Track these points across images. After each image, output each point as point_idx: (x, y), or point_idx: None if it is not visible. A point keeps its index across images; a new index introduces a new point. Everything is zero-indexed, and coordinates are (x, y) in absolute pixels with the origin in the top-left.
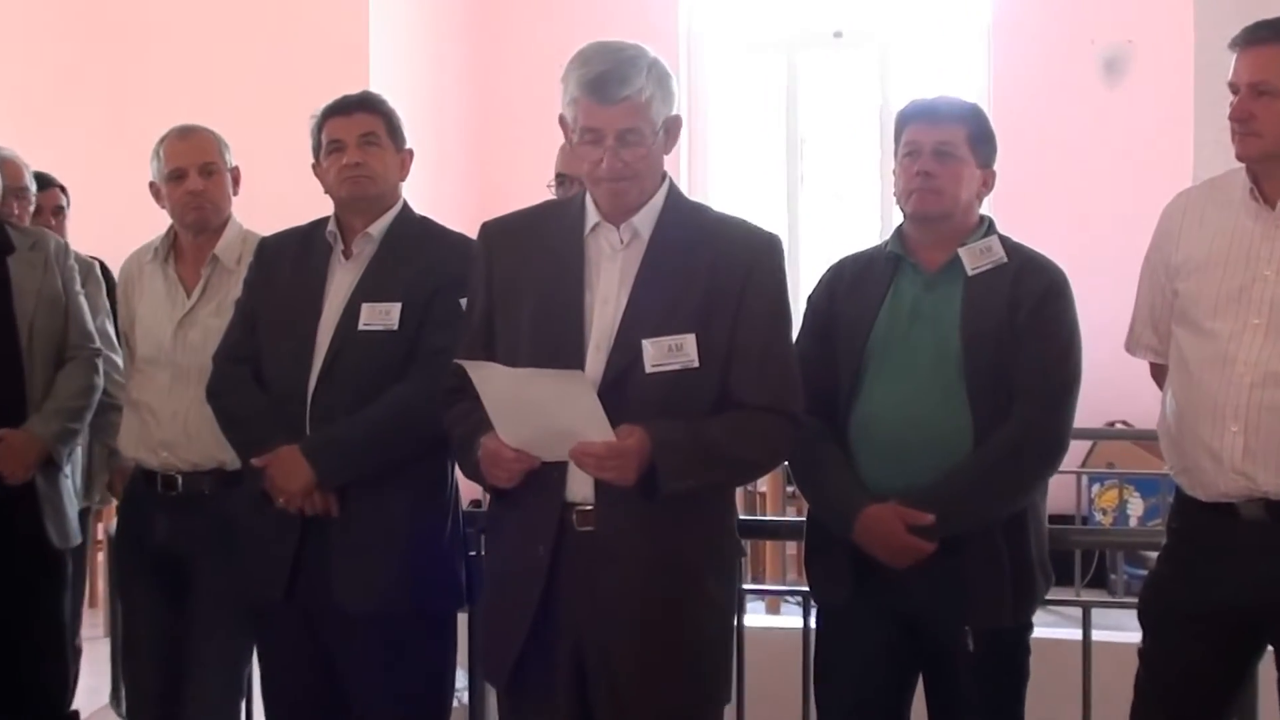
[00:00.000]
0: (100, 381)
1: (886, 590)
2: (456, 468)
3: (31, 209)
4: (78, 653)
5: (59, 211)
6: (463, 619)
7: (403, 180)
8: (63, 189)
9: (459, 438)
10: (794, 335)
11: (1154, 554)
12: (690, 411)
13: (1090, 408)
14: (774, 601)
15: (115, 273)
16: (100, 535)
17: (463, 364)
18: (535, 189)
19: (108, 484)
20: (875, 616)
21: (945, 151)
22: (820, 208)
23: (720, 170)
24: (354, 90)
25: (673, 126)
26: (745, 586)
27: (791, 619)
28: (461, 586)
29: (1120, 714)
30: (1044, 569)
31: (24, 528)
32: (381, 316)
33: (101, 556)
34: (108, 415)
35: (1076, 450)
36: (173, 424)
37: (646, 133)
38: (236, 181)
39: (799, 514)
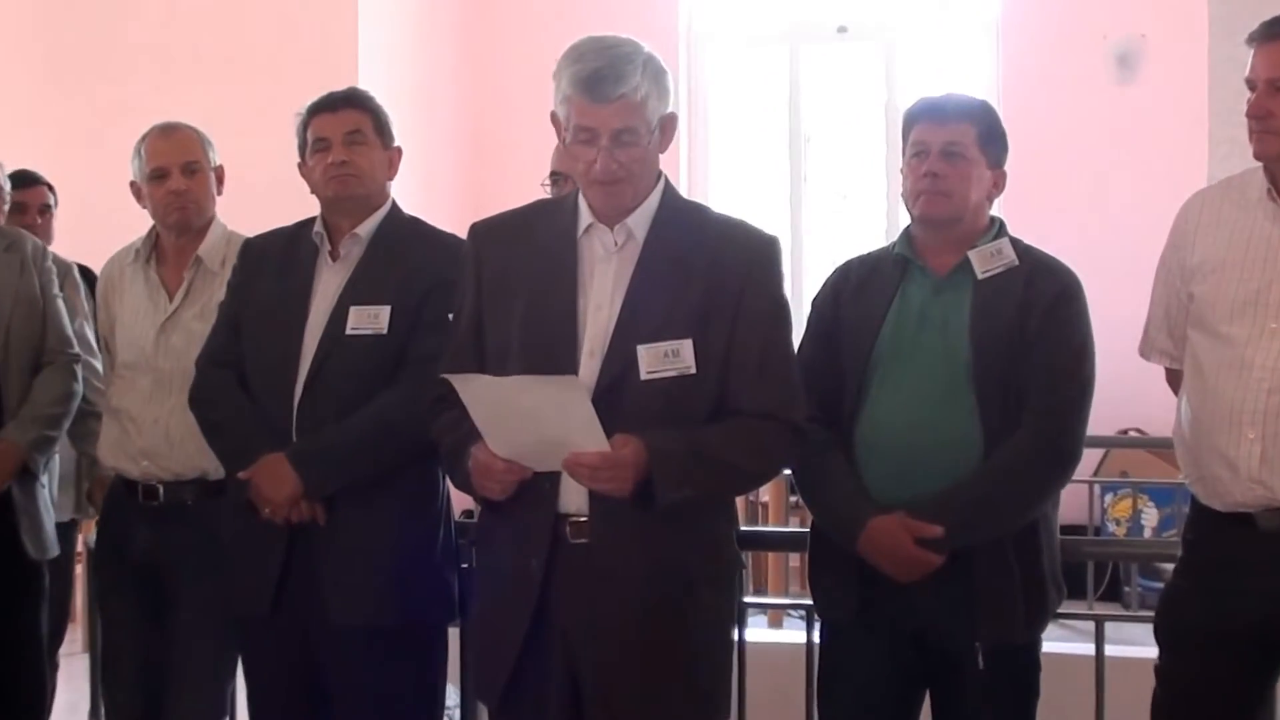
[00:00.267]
0: (79, 388)
1: (893, 604)
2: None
3: (7, 208)
4: (55, 668)
5: (45, 210)
6: (454, 634)
7: (391, 179)
8: (50, 187)
9: (448, 447)
10: (795, 340)
11: (1169, 566)
12: (687, 420)
13: (1103, 415)
14: (776, 615)
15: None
16: (80, 547)
17: (448, 378)
18: (529, 188)
19: (87, 494)
20: (881, 631)
21: (953, 152)
22: (824, 208)
23: (721, 170)
24: (342, 86)
25: (668, 125)
26: (746, 599)
27: (794, 633)
28: (454, 597)
29: None
30: (1056, 582)
31: None
32: (370, 320)
33: (80, 569)
34: (87, 423)
35: (1089, 458)
36: (154, 432)
37: (642, 132)
38: (220, 181)
39: (802, 525)
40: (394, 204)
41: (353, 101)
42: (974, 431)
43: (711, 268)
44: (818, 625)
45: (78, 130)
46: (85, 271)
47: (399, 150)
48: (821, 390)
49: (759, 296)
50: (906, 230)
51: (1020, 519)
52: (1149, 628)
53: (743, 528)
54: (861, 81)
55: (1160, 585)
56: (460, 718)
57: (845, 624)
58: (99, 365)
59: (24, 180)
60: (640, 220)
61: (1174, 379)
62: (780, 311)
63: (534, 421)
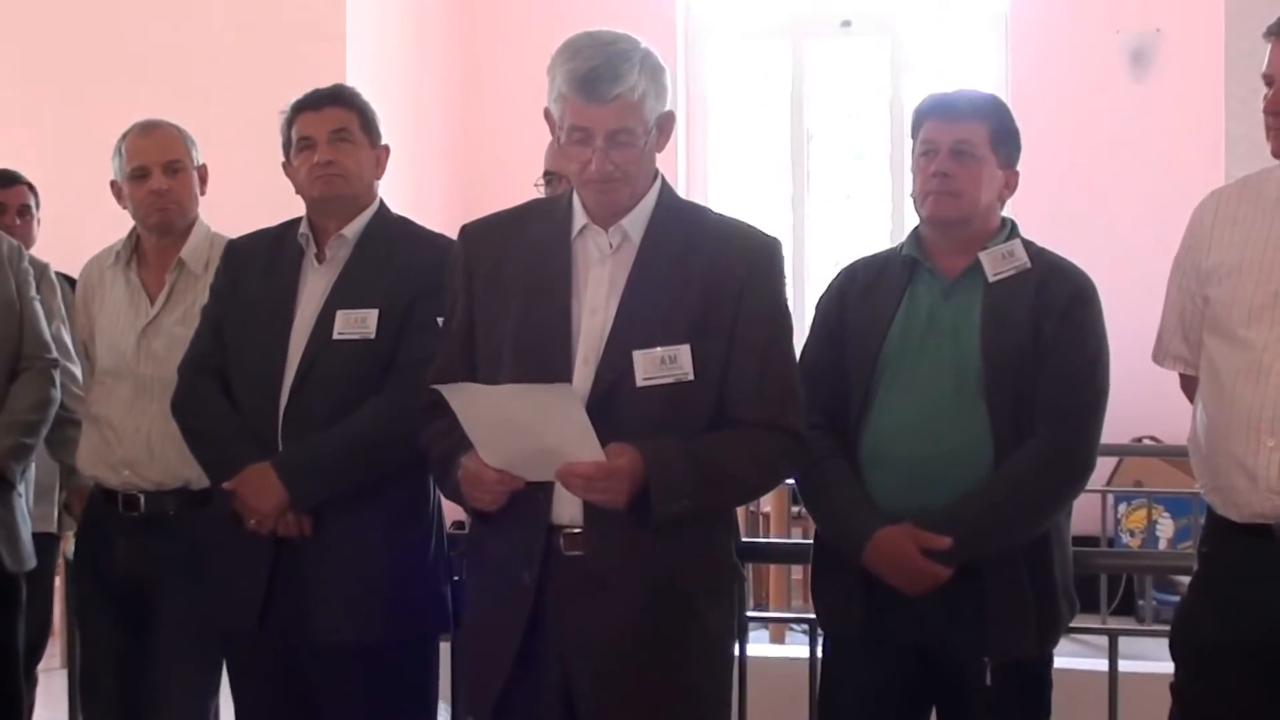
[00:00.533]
0: (57, 394)
1: (899, 618)
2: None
3: None
4: (34, 684)
5: (25, 211)
6: (445, 650)
7: (378, 178)
8: (31, 187)
9: (437, 456)
10: (796, 345)
11: (1185, 579)
12: (685, 428)
13: (1117, 422)
14: (778, 630)
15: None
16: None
17: (439, 388)
18: (521, 187)
19: (65, 504)
20: (886, 646)
21: (963, 151)
22: (827, 209)
23: (720, 169)
24: (328, 83)
25: (666, 124)
26: (748, 614)
27: (797, 648)
28: (448, 609)
29: None
30: (1068, 595)
31: None
32: (357, 324)
33: (59, 581)
34: (65, 430)
35: (1102, 467)
36: (135, 440)
37: (638, 132)
38: (203, 180)
39: (805, 536)
40: (382, 204)
41: (338, 99)
42: (984, 439)
43: (710, 270)
44: (821, 640)
45: (58, 129)
46: (65, 278)
47: (386, 148)
48: (825, 396)
49: (759, 300)
50: (915, 231)
51: (1032, 530)
52: (1164, 643)
53: (743, 539)
54: (866, 77)
55: (1176, 599)
56: None
57: (849, 638)
58: (77, 371)
59: (3, 179)
60: (636, 221)
61: (1188, 386)
62: (781, 316)
63: (526, 431)
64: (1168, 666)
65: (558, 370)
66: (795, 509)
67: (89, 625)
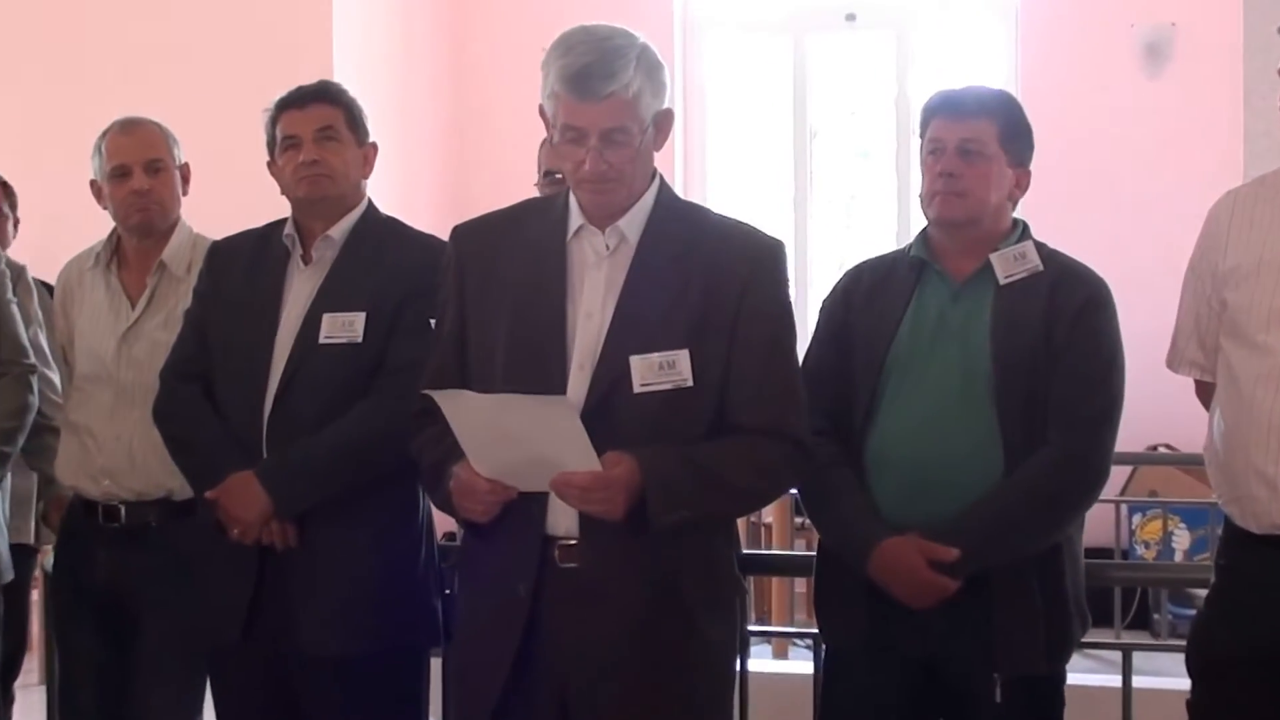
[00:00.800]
0: (35, 400)
1: (905, 632)
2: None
3: None
4: (11, 701)
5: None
6: (436, 663)
7: (366, 177)
8: (6, 186)
9: (428, 466)
10: (799, 350)
11: (1201, 592)
12: (683, 436)
13: (1131, 430)
14: (781, 644)
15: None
16: (37, 571)
17: (431, 394)
18: (514, 186)
19: (42, 515)
20: (892, 661)
21: (971, 150)
22: (831, 209)
23: (720, 168)
24: (314, 79)
25: (663, 122)
26: (749, 628)
27: (800, 664)
28: (438, 621)
29: None
30: (1080, 609)
31: None
32: (344, 328)
33: (37, 595)
34: (43, 438)
35: (1116, 477)
36: (115, 449)
37: (634, 131)
38: (186, 180)
39: (808, 548)
40: (370, 204)
41: (324, 96)
42: (994, 447)
43: (710, 273)
44: (825, 654)
45: (34, 127)
46: (42, 284)
47: (374, 147)
48: (829, 400)
49: (761, 303)
50: (924, 231)
51: (1043, 541)
52: (1180, 658)
53: (744, 551)
54: (871, 72)
55: (1192, 612)
56: None
57: (853, 652)
58: (55, 378)
59: None
60: (633, 222)
61: (1204, 392)
62: (784, 320)
63: (520, 440)
64: (1183, 682)
65: (552, 375)
66: (798, 520)
67: (68, 640)
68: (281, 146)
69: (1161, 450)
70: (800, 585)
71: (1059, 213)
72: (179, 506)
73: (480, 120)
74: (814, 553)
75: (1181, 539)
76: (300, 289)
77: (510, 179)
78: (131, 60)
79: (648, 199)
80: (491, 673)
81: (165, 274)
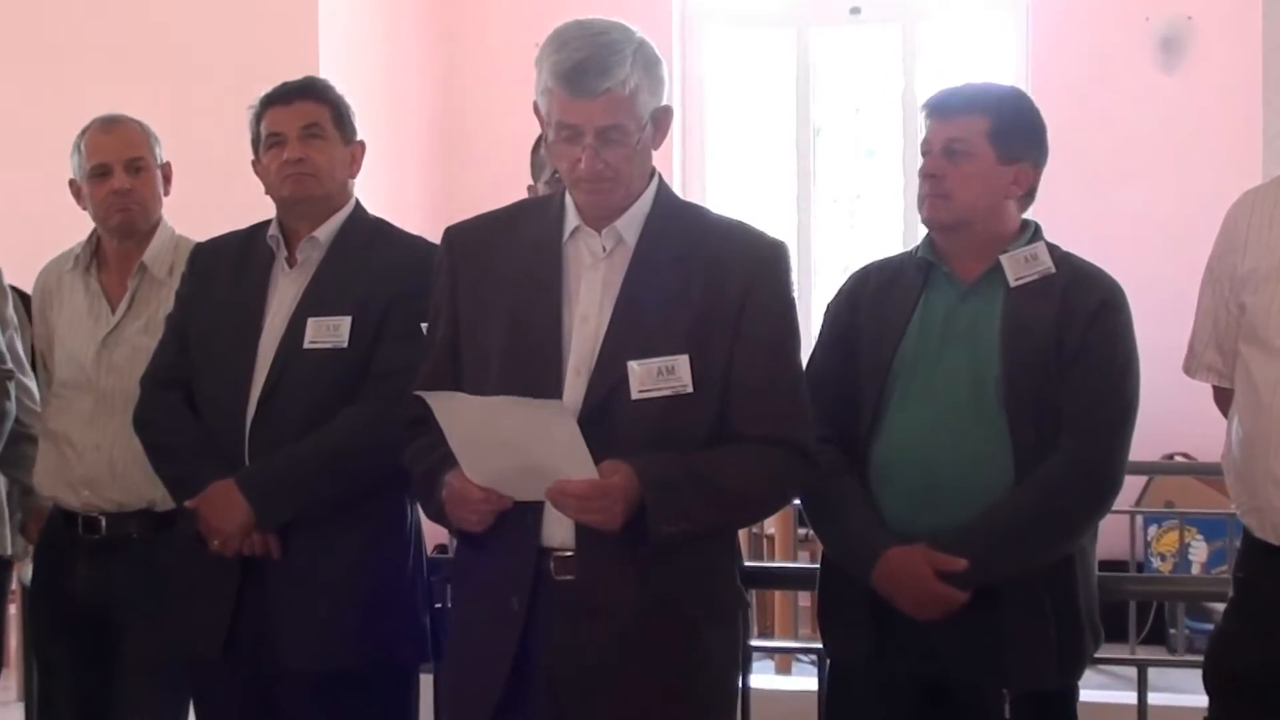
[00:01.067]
0: (12, 407)
1: (910, 646)
2: (418, 503)
3: None
4: None
5: None
6: (426, 680)
7: (353, 177)
8: None
9: (421, 475)
10: (803, 356)
11: (1219, 606)
12: (683, 444)
13: (1147, 438)
14: (784, 660)
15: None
16: (14, 584)
17: (424, 395)
18: (509, 187)
19: (20, 527)
20: (897, 676)
21: (956, 149)
22: (835, 209)
23: (720, 167)
24: (300, 75)
25: (662, 119)
26: (752, 643)
27: (804, 680)
28: (426, 636)
29: None
30: (1092, 623)
31: None
32: (329, 333)
33: (14, 609)
34: (20, 447)
35: (1131, 487)
36: (95, 458)
37: (631, 129)
38: (168, 180)
39: (812, 560)
40: (357, 204)
41: (309, 92)
42: (1004, 455)
43: (711, 275)
44: (829, 670)
45: (10, 124)
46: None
47: (362, 145)
48: (834, 407)
49: (763, 307)
50: (931, 232)
51: (1054, 552)
52: (1197, 674)
53: (746, 563)
54: (876, 68)
55: (1209, 627)
56: None
57: (858, 668)
58: (32, 384)
59: None
60: (631, 223)
61: (1223, 398)
62: (787, 324)
63: (515, 446)
64: (1201, 699)
65: (548, 381)
66: (801, 531)
67: (47, 655)
68: (266, 144)
69: (1178, 459)
70: (804, 599)
71: (1071, 213)
72: (161, 518)
73: (472, 118)
74: (818, 565)
75: (1199, 551)
76: (285, 292)
77: (504, 179)
78: (111, 55)
79: (646, 199)
80: (484, 690)
81: (146, 276)
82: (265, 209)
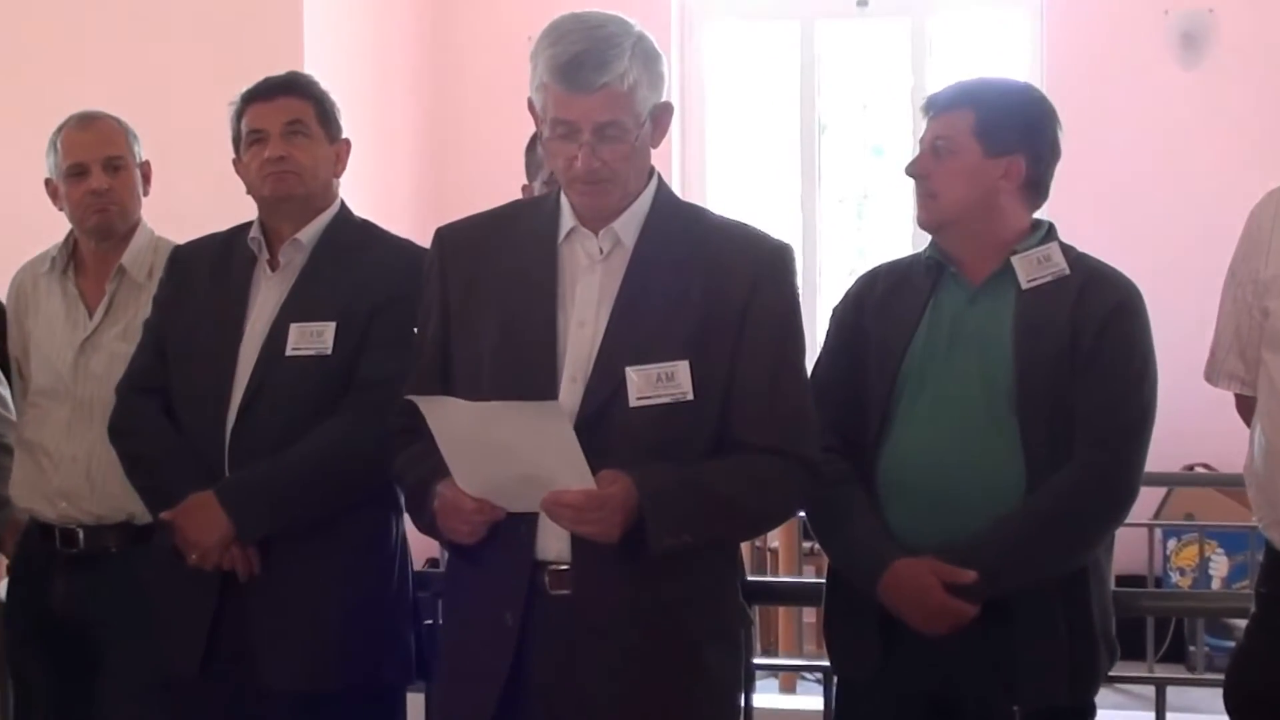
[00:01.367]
0: None
1: (918, 661)
2: (403, 517)
3: None
4: None
5: None
6: (417, 700)
7: (338, 176)
8: None
9: (411, 486)
10: (808, 362)
11: (1241, 622)
12: (683, 453)
13: (1166, 449)
14: (789, 678)
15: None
16: None
17: (414, 400)
18: (500, 187)
19: None
20: (907, 694)
21: (941, 147)
22: (841, 209)
23: (721, 166)
24: (283, 70)
25: (661, 116)
26: (755, 661)
27: (810, 698)
28: (411, 656)
29: None
30: (1108, 639)
31: None
32: (313, 339)
33: None
34: None
35: (1150, 499)
36: (73, 469)
37: (629, 125)
38: (147, 179)
39: (818, 574)
40: (342, 205)
41: (292, 88)
42: (1015, 464)
43: (712, 278)
44: (835, 687)
45: None
46: None
47: (347, 143)
48: (840, 414)
49: (766, 312)
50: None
51: (1068, 564)
52: (1218, 693)
53: (749, 578)
54: (884, 63)
55: (1230, 644)
56: None
57: (865, 685)
58: (6, 393)
59: None
60: (629, 224)
61: (1245, 407)
62: (791, 329)
63: (508, 454)
64: (1221, 719)
65: (542, 388)
66: (806, 544)
67: (23, 672)
68: (247, 142)
69: (1199, 470)
70: (809, 615)
71: (1087, 213)
72: (141, 531)
73: (463, 115)
74: (823, 580)
75: (1219, 565)
76: (266, 297)
77: (495, 179)
78: (88, 49)
79: (644, 199)
80: (477, 708)
81: (125, 280)
82: (248, 210)
